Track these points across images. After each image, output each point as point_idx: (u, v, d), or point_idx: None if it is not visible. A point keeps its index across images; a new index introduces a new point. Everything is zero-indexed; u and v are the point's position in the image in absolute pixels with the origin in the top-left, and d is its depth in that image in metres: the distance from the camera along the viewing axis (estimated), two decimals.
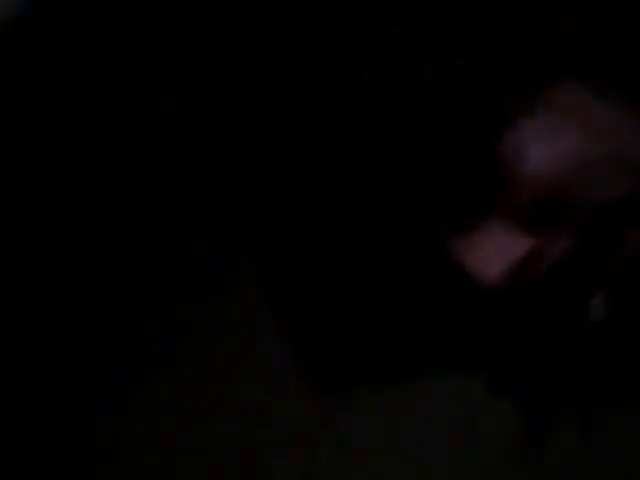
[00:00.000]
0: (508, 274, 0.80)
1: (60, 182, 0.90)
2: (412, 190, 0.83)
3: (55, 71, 0.91)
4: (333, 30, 0.86)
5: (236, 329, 0.87)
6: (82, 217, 0.89)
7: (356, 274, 0.85)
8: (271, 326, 0.86)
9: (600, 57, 0.83)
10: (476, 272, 0.80)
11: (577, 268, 0.81)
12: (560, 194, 0.79)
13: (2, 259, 0.88)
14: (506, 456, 0.84)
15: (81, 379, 0.86)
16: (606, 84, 0.82)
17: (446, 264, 0.82)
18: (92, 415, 0.85)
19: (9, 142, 0.89)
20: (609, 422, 0.83)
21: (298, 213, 0.85)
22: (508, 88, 0.83)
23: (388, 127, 0.84)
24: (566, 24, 0.83)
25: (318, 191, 0.84)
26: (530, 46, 0.84)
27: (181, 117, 0.90)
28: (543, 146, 0.80)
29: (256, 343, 0.86)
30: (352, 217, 0.84)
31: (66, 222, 0.88)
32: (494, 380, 0.85)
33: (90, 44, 0.90)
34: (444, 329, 0.86)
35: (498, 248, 0.80)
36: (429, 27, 0.84)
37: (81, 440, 0.85)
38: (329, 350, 0.86)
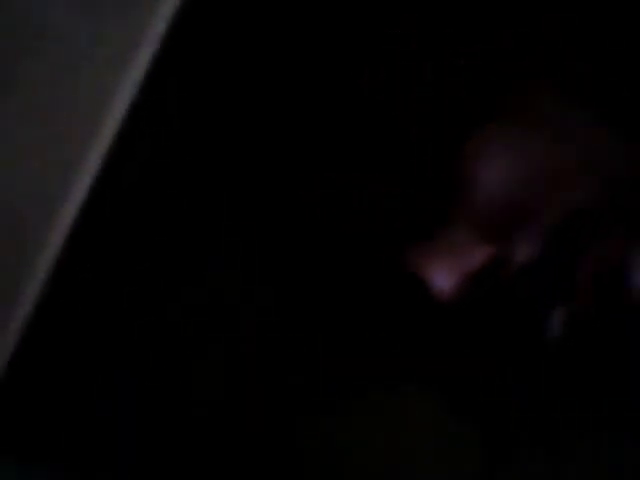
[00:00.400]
0: (464, 286, 0.77)
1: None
2: (412, 190, 0.83)
3: None
4: (333, 30, 0.86)
5: None
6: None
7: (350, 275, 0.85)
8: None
9: (584, 65, 0.82)
10: (431, 284, 0.78)
11: (540, 278, 0.77)
12: (520, 202, 0.77)
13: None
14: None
15: None
16: (584, 92, 0.80)
17: (402, 273, 0.80)
18: None
19: None
20: (573, 442, 0.81)
21: (298, 213, 0.85)
22: (477, 91, 0.82)
23: (388, 127, 0.84)
24: (560, 26, 0.82)
25: (318, 191, 0.84)
26: (530, 46, 0.83)
27: (180, 116, 0.90)
28: (502, 154, 0.78)
29: None
30: (352, 217, 0.84)
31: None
32: (451, 394, 0.83)
33: None
34: (400, 336, 0.83)
35: (453, 259, 0.77)
36: (429, 27, 0.84)
37: None
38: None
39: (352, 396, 0.84)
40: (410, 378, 0.82)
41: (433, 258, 0.78)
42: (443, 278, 0.77)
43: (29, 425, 0.84)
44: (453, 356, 0.82)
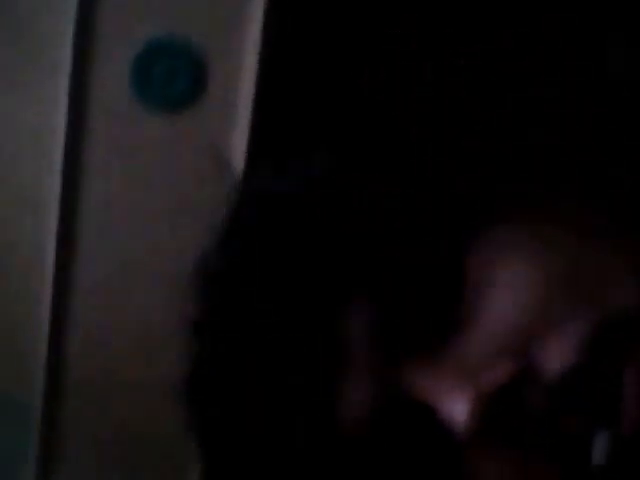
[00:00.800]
0: (483, 412, 0.62)
1: None
2: (412, 190, 0.83)
3: None
4: (333, 30, 0.86)
5: None
6: None
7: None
8: None
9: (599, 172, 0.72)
10: (442, 413, 0.63)
11: (577, 396, 0.62)
12: (548, 308, 0.64)
13: None
14: None
15: None
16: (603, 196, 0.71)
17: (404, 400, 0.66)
18: None
19: None
20: None
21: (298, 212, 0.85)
22: (485, 181, 0.72)
23: (388, 127, 0.84)
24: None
25: (319, 191, 0.84)
26: (530, 46, 0.84)
27: None
28: (522, 266, 0.65)
29: None
30: (352, 217, 0.84)
31: None
32: None
33: None
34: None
35: (466, 379, 0.62)
36: (429, 27, 0.84)
37: None
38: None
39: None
40: None
41: (441, 379, 0.64)
42: (456, 405, 0.62)
43: None
44: None
